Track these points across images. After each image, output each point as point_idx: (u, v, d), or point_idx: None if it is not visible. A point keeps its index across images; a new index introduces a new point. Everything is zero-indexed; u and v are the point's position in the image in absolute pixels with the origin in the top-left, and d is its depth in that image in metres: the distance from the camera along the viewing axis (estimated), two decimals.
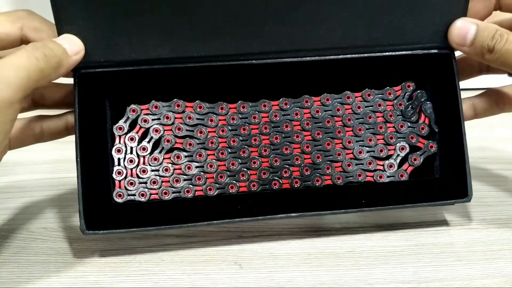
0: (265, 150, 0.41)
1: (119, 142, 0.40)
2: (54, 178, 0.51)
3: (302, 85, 0.42)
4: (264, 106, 0.42)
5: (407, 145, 0.42)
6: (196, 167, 0.40)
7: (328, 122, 0.42)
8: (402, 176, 0.42)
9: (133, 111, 0.41)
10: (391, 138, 0.42)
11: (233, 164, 0.41)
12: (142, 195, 0.40)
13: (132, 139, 0.40)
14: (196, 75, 0.40)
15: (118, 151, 0.40)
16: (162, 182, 0.40)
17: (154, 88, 0.41)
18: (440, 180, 0.42)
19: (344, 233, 0.42)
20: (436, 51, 0.41)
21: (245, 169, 0.41)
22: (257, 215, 0.38)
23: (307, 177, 0.41)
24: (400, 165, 0.42)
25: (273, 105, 0.42)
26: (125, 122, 0.40)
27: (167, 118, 0.41)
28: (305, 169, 0.41)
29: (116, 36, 0.37)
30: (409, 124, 0.43)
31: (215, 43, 0.39)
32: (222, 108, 0.41)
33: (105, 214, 0.39)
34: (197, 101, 0.41)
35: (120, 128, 0.40)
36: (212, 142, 0.41)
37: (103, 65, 0.38)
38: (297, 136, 0.42)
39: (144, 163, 0.40)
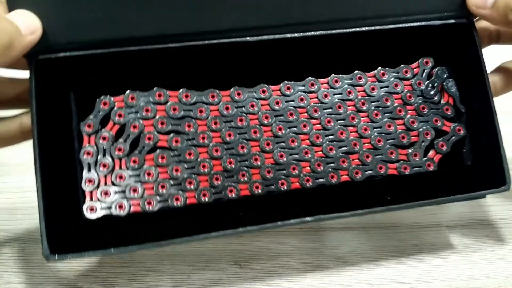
0: (268, 144, 0.34)
1: (89, 143, 0.32)
2: None
3: (305, 66, 0.36)
4: (263, 91, 0.35)
5: (432, 130, 0.36)
6: (186, 168, 0.33)
7: (339, 107, 0.36)
8: (429, 166, 0.36)
9: (105, 104, 0.33)
10: (413, 122, 0.36)
11: (230, 163, 0.34)
12: (120, 207, 0.32)
13: (104, 138, 0.32)
14: (179, 57, 0.33)
15: (88, 154, 0.32)
16: (145, 189, 0.32)
17: (130, 75, 0.34)
18: (473, 168, 0.36)
19: (344, 233, 0.40)
20: (453, 21, 0.35)
21: (245, 168, 0.34)
22: (264, 222, 0.31)
23: (320, 174, 0.34)
24: (426, 153, 0.36)
25: (274, 90, 0.35)
26: (95, 117, 0.33)
27: (147, 111, 0.33)
28: (317, 164, 0.34)
29: (81, 11, 0.31)
30: (431, 105, 0.37)
31: (202, 17, 0.32)
32: (213, 96, 0.34)
33: (74, 234, 0.31)
34: (182, 89, 0.34)
35: (89, 126, 0.33)
36: (203, 138, 0.34)
37: (65, 48, 0.31)
38: (305, 126, 0.35)
39: (120, 168, 0.32)
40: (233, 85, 0.35)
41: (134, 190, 0.32)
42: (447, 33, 0.36)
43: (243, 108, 0.34)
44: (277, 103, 0.35)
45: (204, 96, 0.34)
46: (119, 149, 0.33)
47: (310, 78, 0.36)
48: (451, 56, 0.37)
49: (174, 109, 0.34)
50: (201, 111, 0.34)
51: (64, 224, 0.30)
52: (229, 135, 0.34)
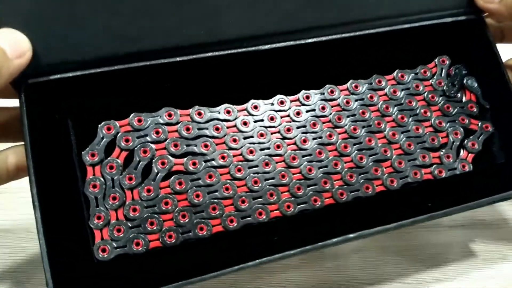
0: (293, 159, 0.31)
1: (94, 175, 0.28)
2: None
3: (320, 73, 0.34)
4: (282, 103, 0.32)
5: (460, 129, 0.34)
6: (208, 193, 0.29)
7: (363, 113, 0.33)
8: (464, 166, 0.33)
9: (108, 129, 0.29)
10: (440, 123, 0.34)
11: (256, 183, 0.30)
12: (137, 244, 0.28)
13: (111, 167, 0.28)
14: (187, 71, 0.30)
15: (94, 187, 0.28)
16: (163, 221, 0.28)
17: (134, 95, 0.30)
18: (505, 165, 0.34)
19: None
20: (464, 17, 0.34)
21: (272, 187, 0.30)
22: (300, 244, 0.28)
23: (354, 186, 0.31)
24: (457, 154, 0.34)
25: (292, 100, 0.32)
26: (98, 145, 0.29)
27: (157, 133, 0.30)
28: (349, 176, 0.31)
29: (77, 26, 0.27)
30: (455, 104, 0.35)
31: (210, 26, 0.30)
32: (228, 112, 0.31)
33: (86, 280, 0.26)
34: (194, 107, 0.31)
35: (93, 155, 0.28)
36: (223, 157, 0.30)
37: (59, 70, 0.28)
38: (330, 136, 0.32)
39: (133, 199, 0.28)
40: (246, 98, 0.32)
41: (152, 223, 0.28)
42: (459, 30, 0.35)
43: (263, 122, 0.31)
44: (298, 113, 0.32)
45: (219, 113, 0.31)
46: (130, 178, 0.28)
47: (328, 85, 0.33)
48: (466, 53, 0.36)
49: (188, 129, 0.30)
50: (217, 129, 0.30)
51: (72, 270, 0.26)
52: (251, 152, 0.30)
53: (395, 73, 0.35)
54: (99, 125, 0.29)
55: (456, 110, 0.35)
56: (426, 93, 0.34)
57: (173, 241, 0.28)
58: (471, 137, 0.34)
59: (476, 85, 0.35)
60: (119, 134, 0.29)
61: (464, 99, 0.35)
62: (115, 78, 0.29)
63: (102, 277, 0.27)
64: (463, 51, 0.36)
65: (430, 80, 0.35)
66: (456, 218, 0.41)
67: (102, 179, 0.28)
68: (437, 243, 0.39)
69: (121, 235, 0.27)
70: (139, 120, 0.29)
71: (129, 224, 0.28)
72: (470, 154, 0.34)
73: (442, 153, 0.33)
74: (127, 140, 0.29)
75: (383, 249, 0.38)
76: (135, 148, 0.29)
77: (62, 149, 0.28)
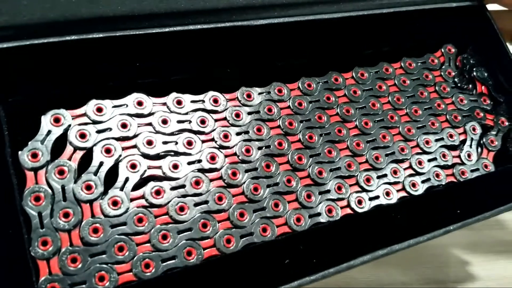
0: (299, 159, 0.25)
1: (36, 183, 0.20)
2: None
3: (318, 58, 0.28)
4: (280, 91, 0.26)
5: (478, 125, 0.30)
6: (195, 205, 0.22)
7: (374, 105, 0.28)
8: (486, 167, 0.29)
9: (57, 120, 0.21)
10: (456, 117, 0.29)
11: (256, 190, 0.23)
12: (102, 279, 0.20)
13: (61, 172, 0.20)
14: (164, 48, 0.23)
15: (37, 199, 0.20)
16: (137, 245, 0.21)
17: (92, 77, 0.23)
18: None
19: None
20: (469, 3, 0.31)
21: (277, 195, 0.24)
22: (322, 268, 0.21)
23: (372, 191, 0.25)
24: (477, 152, 0.29)
25: (292, 89, 0.26)
26: (42, 142, 0.21)
27: (124, 126, 0.22)
28: (366, 179, 0.25)
29: None
30: (468, 96, 0.30)
31: None
32: (216, 101, 0.24)
33: None
34: (172, 94, 0.23)
35: (34, 155, 0.20)
36: (212, 158, 0.23)
37: None
38: (340, 131, 0.26)
39: (93, 215, 0.20)
40: (239, 86, 0.25)
41: (121, 249, 0.20)
42: (463, 17, 0.32)
43: (259, 114, 0.25)
44: (300, 104, 0.26)
45: (204, 102, 0.24)
46: (88, 187, 0.20)
47: (332, 72, 0.27)
48: (471, 42, 0.32)
49: (164, 122, 0.23)
50: (202, 122, 0.23)
51: None
52: (247, 151, 0.24)
53: (402, 61, 0.30)
54: (43, 116, 0.21)
55: (470, 103, 0.30)
56: (437, 84, 0.30)
57: (152, 272, 0.20)
58: (488, 133, 0.30)
59: (486, 75, 0.31)
60: (71, 127, 0.21)
61: (475, 92, 0.31)
62: (66, 52, 0.21)
63: None
64: (468, 39, 0.32)
65: (439, 70, 0.31)
66: None
67: (48, 188, 0.20)
68: (438, 243, 0.37)
69: (78, 267, 0.19)
70: (99, 110, 0.22)
71: (90, 251, 0.20)
72: (490, 152, 0.30)
73: (463, 151, 0.29)
74: (82, 136, 0.21)
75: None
76: (94, 147, 0.21)
77: None
